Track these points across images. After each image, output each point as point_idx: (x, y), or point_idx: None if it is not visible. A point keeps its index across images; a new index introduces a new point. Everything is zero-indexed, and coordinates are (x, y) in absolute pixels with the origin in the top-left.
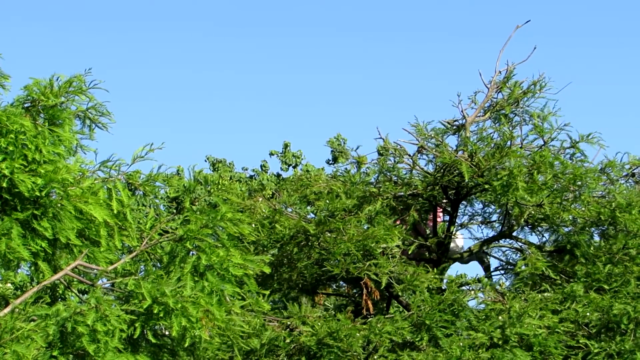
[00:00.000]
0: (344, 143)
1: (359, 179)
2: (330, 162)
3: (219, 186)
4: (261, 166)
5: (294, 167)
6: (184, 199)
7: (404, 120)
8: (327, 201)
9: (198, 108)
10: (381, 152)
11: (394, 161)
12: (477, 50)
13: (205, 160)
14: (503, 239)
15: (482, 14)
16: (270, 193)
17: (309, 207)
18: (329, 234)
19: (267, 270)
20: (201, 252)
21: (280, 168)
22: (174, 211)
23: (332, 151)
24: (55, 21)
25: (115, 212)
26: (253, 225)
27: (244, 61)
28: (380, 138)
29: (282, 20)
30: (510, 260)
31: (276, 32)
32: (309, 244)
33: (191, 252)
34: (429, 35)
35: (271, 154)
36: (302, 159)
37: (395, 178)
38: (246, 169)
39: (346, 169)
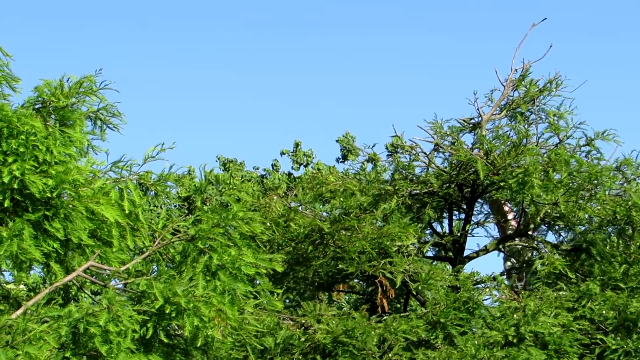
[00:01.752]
0: (353, 140)
1: (375, 177)
2: (340, 159)
3: (231, 185)
4: (272, 165)
5: (305, 166)
6: (195, 198)
7: (417, 119)
8: (342, 199)
9: (208, 108)
10: (392, 150)
11: (410, 159)
12: (494, 47)
13: (216, 160)
14: (519, 237)
15: (498, 11)
16: (283, 192)
17: (323, 206)
18: (343, 232)
19: (280, 268)
20: (213, 252)
21: (292, 167)
22: (186, 211)
23: (341, 149)
24: (65, 21)
25: (127, 212)
26: (268, 224)
27: (255, 61)
28: (396, 135)
29: (294, 20)
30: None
31: (287, 32)
32: (324, 242)
33: (203, 252)
34: (445, 33)
35: (282, 153)
36: (313, 158)
37: (411, 176)
38: (257, 168)
39: (361, 166)
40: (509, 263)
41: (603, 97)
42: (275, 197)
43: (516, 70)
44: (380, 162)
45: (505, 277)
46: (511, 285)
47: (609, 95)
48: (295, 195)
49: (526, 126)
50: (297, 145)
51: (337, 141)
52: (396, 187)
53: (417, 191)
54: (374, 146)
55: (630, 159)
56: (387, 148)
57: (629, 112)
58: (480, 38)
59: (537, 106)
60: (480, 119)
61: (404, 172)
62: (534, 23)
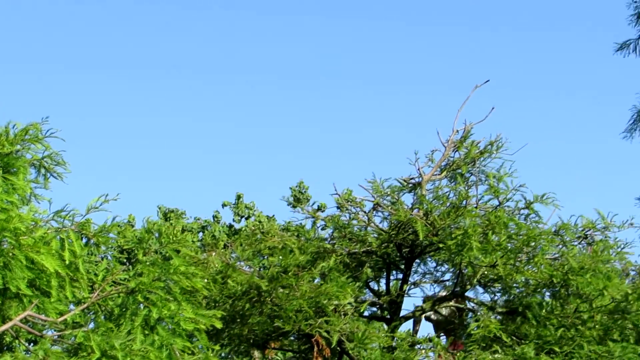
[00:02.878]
0: (305, 190)
1: (314, 235)
2: (291, 204)
3: (172, 238)
4: (213, 217)
5: (246, 219)
6: (136, 250)
7: (361, 176)
8: (281, 257)
9: (153, 157)
10: (340, 206)
11: (349, 217)
12: (437, 107)
13: (157, 210)
14: (455, 299)
15: (443, 72)
16: (223, 245)
17: (262, 260)
18: (281, 290)
19: (219, 325)
20: (152, 305)
21: (233, 219)
22: (125, 262)
23: (292, 195)
24: (11, 65)
25: (67, 262)
26: (205, 280)
27: (198, 109)
28: (336, 194)
29: (238, 68)
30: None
31: (230, 79)
32: (261, 299)
33: (142, 305)
34: (389, 90)
35: (224, 205)
36: (254, 210)
37: (350, 234)
38: (199, 219)
39: (300, 223)
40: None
41: (543, 161)
42: (213, 253)
43: (458, 131)
44: (320, 220)
45: (443, 337)
46: (447, 347)
47: (550, 158)
48: (233, 252)
49: (466, 188)
50: (239, 197)
51: (290, 191)
52: (335, 246)
53: (356, 250)
54: (313, 204)
55: (568, 224)
56: (337, 203)
57: (569, 176)
58: (424, 97)
59: (477, 168)
60: (420, 179)
61: (343, 230)
62: (477, 85)
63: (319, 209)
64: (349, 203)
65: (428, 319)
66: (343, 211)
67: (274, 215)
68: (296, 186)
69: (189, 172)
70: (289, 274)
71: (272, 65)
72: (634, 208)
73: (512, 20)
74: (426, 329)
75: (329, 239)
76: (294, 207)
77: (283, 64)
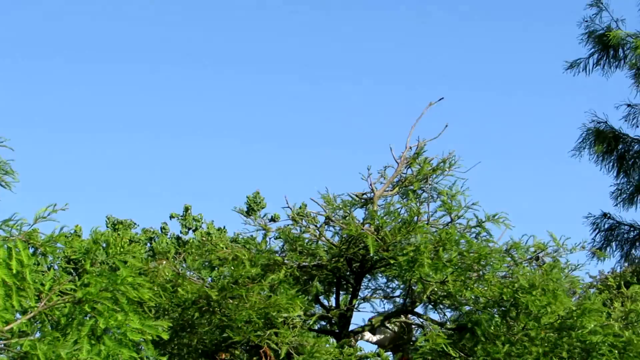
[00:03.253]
0: (261, 201)
1: (265, 247)
2: (242, 213)
3: (120, 248)
4: (161, 228)
5: (194, 231)
6: (84, 260)
7: (314, 190)
8: (232, 267)
9: (101, 167)
10: (292, 219)
11: (300, 231)
12: (390, 125)
13: (106, 221)
14: (404, 314)
15: (396, 90)
16: (172, 256)
17: (212, 272)
18: (231, 301)
19: (165, 336)
20: (99, 315)
21: (180, 231)
22: (72, 272)
23: (246, 204)
24: None
25: (14, 271)
26: (155, 289)
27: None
28: (288, 207)
29: (190, 79)
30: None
31: (182, 89)
32: (211, 309)
33: (89, 315)
34: (343, 107)
35: (172, 217)
36: (202, 223)
37: (300, 248)
38: (147, 230)
39: (251, 235)
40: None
41: (496, 179)
42: (164, 262)
43: (411, 147)
44: (272, 232)
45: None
46: None
47: (503, 177)
48: (184, 259)
49: (418, 204)
50: (186, 209)
51: (246, 197)
52: (285, 259)
53: (306, 263)
54: (264, 216)
55: (519, 243)
56: (289, 216)
57: (521, 194)
58: (377, 114)
59: (429, 185)
60: (372, 194)
61: (294, 243)
62: (431, 102)
63: (272, 219)
64: (300, 216)
65: (368, 341)
66: (295, 224)
67: (224, 227)
68: (252, 196)
69: (141, 183)
70: (239, 284)
71: (226, 77)
72: (583, 226)
73: (467, 39)
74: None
75: (279, 252)
76: (247, 216)
77: (236, 76)
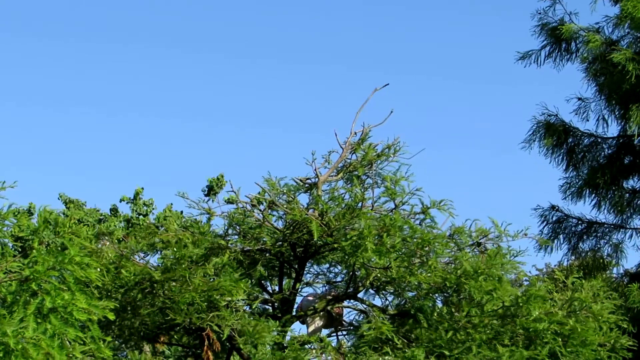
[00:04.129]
0: (223, 185)
1: (208, 230)
2: (205, 192)
3: (67, 228)
4: (111, 210)
5: (144, 216)
6: (32, 239)
7: (259, 174)
8: (175, 249)
9: (57, 147)
10: (232, 203)
11: (245, 215)
12: (336, 109)
13: (59, 199)
14: (347, 300)
15: (343, 75)
16: (119, 237)
17: (157, 256)
18: (174, 283)
19: (112, 316)
20: (46, 294)
21: (131, 216)
22: (19, 250)
23: (209, 187)
24: None
25: None
26: (99, 270)
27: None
28: (232, 191)
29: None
30: (354, 322)
31: (142, 69)
32: (154, 291)
33: (36, 293)
34: (290, 93)
35: (122, 200)
36: (153, 208)
37: (244, 232)
38: (97, 210)
39: (195, 219)
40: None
41: (441, 166)
42: (107, 243)
43: (355, 133)
44: (215, 216)
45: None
46: (337, 348)
47: (448, 165)
48: (126, 242)
49: (362, 190)
50: (137, 193)
51: (207, 180)
52: (229, 242)
53: (250, 248)
54: (208, 200)
55: (463, 227)
56: (228, 202)
57: (467, 183)
58: (323, 99)
59: (374, 170)
60: (317, 179)
61: (237, 227)
62: (376, 88)
63: (230, 201)
64: (247, 197)
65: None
66: (238, 208)
67: (182, 212)
68: (216, 178)
69: (103, 164)
70: (183, 266)
71: (185, 59)
72: (531, 218)
73: (418, 24)
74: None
75: (223, 235)
76: (207, 195)
77: (193, 58)
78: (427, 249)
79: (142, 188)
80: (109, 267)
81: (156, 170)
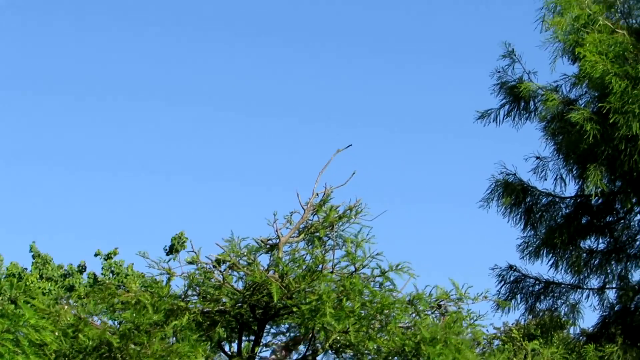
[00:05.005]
0: (184, 242)
1: (168, 291)
2: (166, 250)
3: (26, 287)
4: (79, 266)
5: (113, 274)
6: None
7: (221, 231)
8: (134, 314)
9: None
10: (193, 263)
11: (204, 276)
12: (299, 170)
13: (30, 250)
14: None
15: (305, 134)
16: (82, 295)
17: (116, 315)
18: (132, 347)
19: None
20: (0, 357)
21: (101, 272)
22: None
23: (171, 245)
24: None
25: None
26: (56, 334)
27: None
28: (193, 251)
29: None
30: None
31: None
32: (112, 355)
33: None
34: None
35: (96, 255)
36: (122, 267)
37: (204, 293)
38: (62, 267)
39: (155, 279)
40: None
41: (402, 227)
42: (66, 307)
43: (318, 194)
44: (175, 276)
45: None
46: None
47: (409, 225)
48: (83, 304)
49: (323, 252)
50: (111, 253)
51: (171, 238)
52: (188, 304)
53: (209, 309)
54: (169, 261)
55: (422, 294)
56: (193, 261)
57: (429, 244)
58: (286, 160)
59: (335, 232)
60: (278, 240)
61: (197, 288)
62: (339, 149)
63: (191, 261)
64: (208, 258)
65: None
66: (199, 269)
67: (143, 274)
68: (177, 236)
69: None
70: (142, 330)
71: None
72: (489, 277)
73: (380, 79)
74: None
75: (183, 296)
76: (170, 254)
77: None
78: (386, 312)
79: (117, 248)
80: (67, 330)
81: (123, 228)
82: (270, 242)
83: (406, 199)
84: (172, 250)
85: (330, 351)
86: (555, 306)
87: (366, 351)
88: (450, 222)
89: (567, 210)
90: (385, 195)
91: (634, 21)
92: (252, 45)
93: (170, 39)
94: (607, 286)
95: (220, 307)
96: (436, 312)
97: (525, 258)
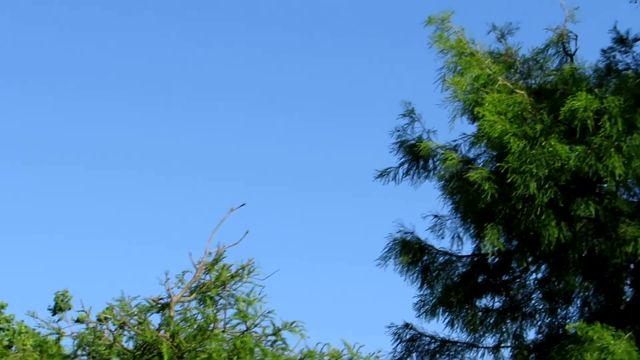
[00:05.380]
0: (68, 300)
1: (57, 351)
2: (51, 309)
3: None
4: None
5: (2, 330)
6: None
7: (110, 289)
8: None
9: None
10: (82, 323)
11: (94, 336)
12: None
13: None
14: None
15: (200, 193)
16: None
17: None
18: None
19: None
20: None
21: None
22: None
23: (55, 304)
24: None
25: None
26: None
27: None
28: (83, 310)
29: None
30: None
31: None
32: None
33: None
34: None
35: None
36: (12, 323)
37: (94, 353)
38: None
39: (44, 339)
40: None
41: (296, 286)
42: None
43: (210, 253)
44: (65, 335)
45: None
46: None
47: (303, 284)
48: None
49: (215, 311)
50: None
51: (54, 294)
52: None
53: None
54: (59, 321)
55: (314, 352)
56: (81, 320)
57: (324, 303)
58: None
59: (227, 291)
60: (169, 299)
61: (87, 348)
62: (232, 208)
63: (78, 320)
64: (98, 317)
65: None
66: (88, 328)
67: (37, 331)
68: (61, 293)
69: None
70: None
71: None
72: (385, 335)
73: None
74: None
75: (72, 356)
76: (55, 313)
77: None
78: None
79: (6, 302)
80: None
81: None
82: (161, 301)
83: (303, 257)
84: (56, 309)
85: None
86: None
87: None
88: (347, 280)
89: (464, 269)
90: (281, 254)
91: (533, 81)
92: None
93: None
94: (502, 345)
95: None
96: None
97: (421, 316)
